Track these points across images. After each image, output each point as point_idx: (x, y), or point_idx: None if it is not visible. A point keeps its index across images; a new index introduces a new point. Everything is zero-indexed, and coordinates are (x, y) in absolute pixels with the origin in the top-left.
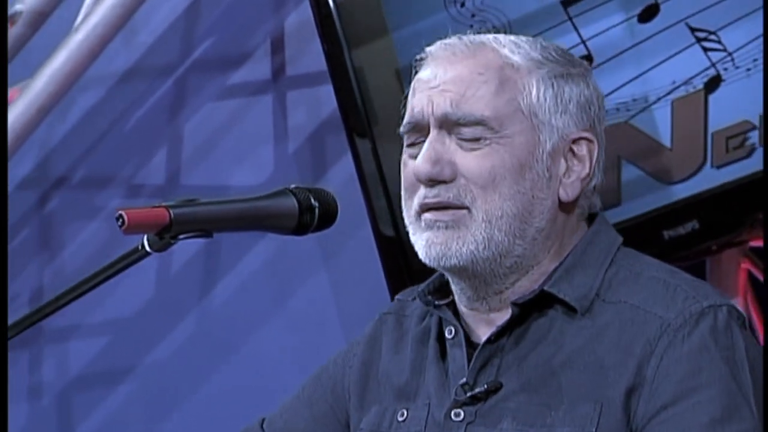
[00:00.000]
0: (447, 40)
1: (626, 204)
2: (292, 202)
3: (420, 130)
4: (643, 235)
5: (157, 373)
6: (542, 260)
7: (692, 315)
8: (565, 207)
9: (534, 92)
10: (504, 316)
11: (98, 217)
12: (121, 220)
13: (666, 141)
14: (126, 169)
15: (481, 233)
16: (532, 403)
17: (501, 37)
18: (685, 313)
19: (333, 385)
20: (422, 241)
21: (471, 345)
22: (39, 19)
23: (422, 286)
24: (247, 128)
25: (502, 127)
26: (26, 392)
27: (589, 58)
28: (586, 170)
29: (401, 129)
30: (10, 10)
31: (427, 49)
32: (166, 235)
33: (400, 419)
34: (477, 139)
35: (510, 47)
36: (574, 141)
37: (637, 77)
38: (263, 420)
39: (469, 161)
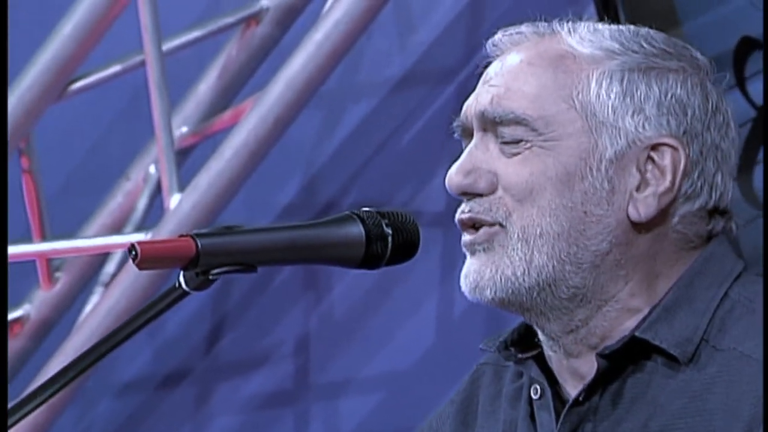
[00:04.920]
0: (513, 27)
1: None
2: (357, 230)
3: (468, 133)
4: None
5: None
6: (618, 294)
7: None
8: (644, 229)
9: (594, 87)
10: (589, 365)
11: None
12: (133, 252)
13: None
14: (402, 192)
15: (517, 254)
16: None
17: (583, 24)
18: None
19: None
20: (462, 272)
21: (563, 403)
22: (288, 15)
23: (504, 335)
24: None
25: (548, 128)
26: None
27: None
28: (667, 183)
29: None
30: (254, 8)
31: (491, 40)
32: (194, 269)
33: None
34: (518, 142)
35: (582, 35)
36: (654, 148)
37: None
38: None
39: (508, 169)
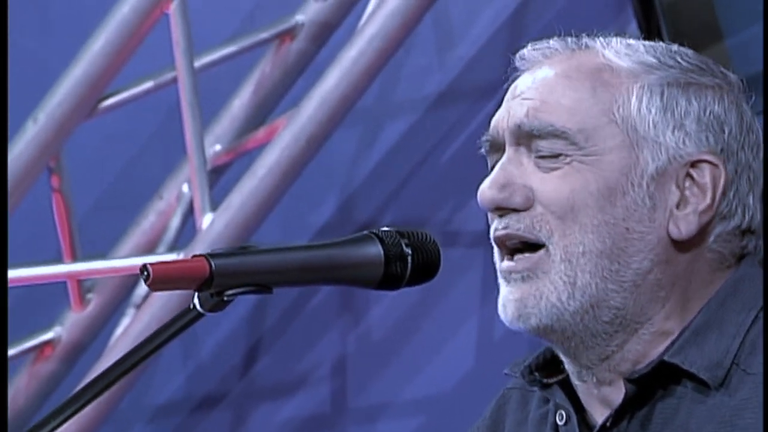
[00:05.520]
0: (543, 42)
1: None
2: (376, 250)
3: (498, 149)
4: None
5: None
6: (654, 316)
7: None
8: (683, 248)
9: (634, 101)
10: (618, 392)
11: None
12: (145, 273)
13: None
14: (441, 211)
15: (561, 277)
16: None
17: (615, 40)
18: None
19: None
20: (500, 301)
21: (590, 429)
22: (324, 31)
23: (529, 359)
24: None
25: (588, 142)
26: None
27: None
28: (707, 201)
29: (482, 151)
30: (289, 23)
31: (520, 53)
32: (208, 290)
33: None
34: (556, 156)
35: (617, 48)
36: (693, 165)
37: None
38: None
39: (545, 185)
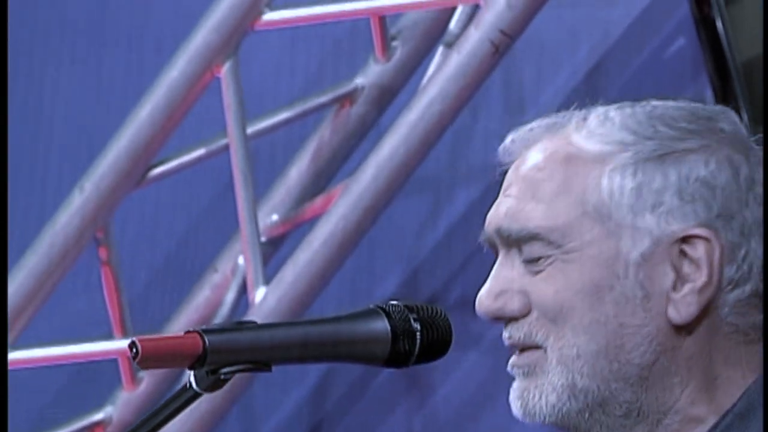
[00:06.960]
0: (525, 128)
1: None
2: (383, 325)
3: (495, 247)
4: None
5: None
6: (676, 404)
7: None
8: (689, 330)
9: (605, 187)
10: None
11: (476, 348)
12: (134, 350)
13: None
14: None
15: (559, 380)
16: None
17: (594, 114)
18: None
19: None
20: (510, 395)
21: None
22: (386, 95)
23: None
24: None
25: (566, 239)
26: None
27: None
28: (704, 278)
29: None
30: (348, 87)
31: (503, 146)
32: (202, 368)
33: None
34: (537, 259)
35: (591, 128)
36: (684, 240)
37: None
38: None
39: (535, 288)
